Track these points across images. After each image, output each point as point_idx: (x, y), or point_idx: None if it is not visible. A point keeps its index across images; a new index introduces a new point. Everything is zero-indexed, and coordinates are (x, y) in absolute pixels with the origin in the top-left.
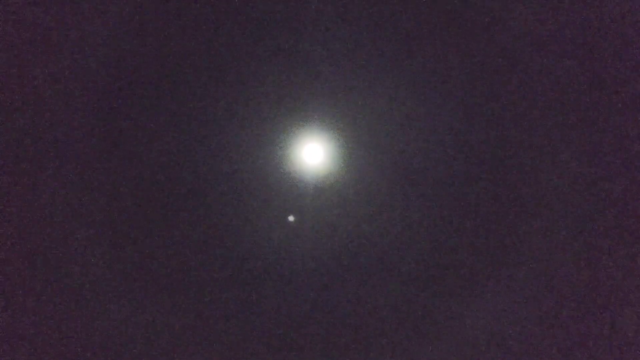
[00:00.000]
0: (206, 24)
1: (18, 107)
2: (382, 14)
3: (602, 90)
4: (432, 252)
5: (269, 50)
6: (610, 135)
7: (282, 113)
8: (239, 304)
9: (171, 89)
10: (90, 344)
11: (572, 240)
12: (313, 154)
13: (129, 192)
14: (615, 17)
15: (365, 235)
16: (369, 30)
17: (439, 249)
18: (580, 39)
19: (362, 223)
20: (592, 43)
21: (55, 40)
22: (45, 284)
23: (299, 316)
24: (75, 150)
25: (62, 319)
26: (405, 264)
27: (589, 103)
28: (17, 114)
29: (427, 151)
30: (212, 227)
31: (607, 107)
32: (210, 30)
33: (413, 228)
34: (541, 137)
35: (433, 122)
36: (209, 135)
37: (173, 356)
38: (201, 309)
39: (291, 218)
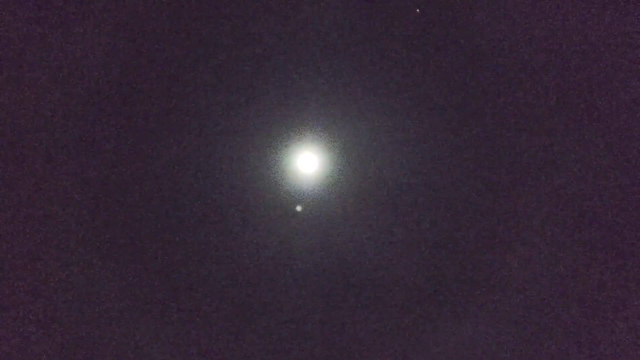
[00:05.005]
0: (203, 33)
1: (18, 108)
2: (377, 26)
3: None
4: (418, 270)
5: (266, 60)
6: (593, 163)
7: (276, 122)
8: (232, 306)
9: (170, 95)
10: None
11: (556, 266)
12: (307, 162)
13: (125, 196)
14: (603, 24)
15: (353, 252)
16: (364, 40)
17: (425, 266)
18: (570, 52)
19: (351, 238)
20: (583, 54)
21: (55, 41)
22: (43, 292)
23: (287, 327)
24: (75, 154)
25: (62, 328)
26: (392, 283)
27: (573, 125)
28: (17, 116)
29: (420, 166)
30: (206, 234)
31: (591, 132)
32: (206, 38)
33: (403, 244)
34: (530, 163)
35: (426, 134)
36: (204, 142)
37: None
38: (193, 317)
39: (299, 208)
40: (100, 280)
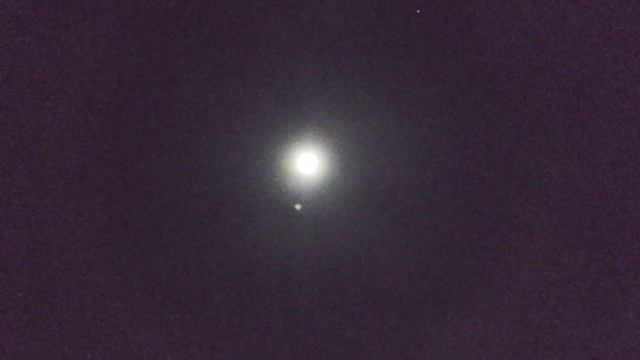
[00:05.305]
0: (202, 33)
1: (18, 110)
2: (377, 26)
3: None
4: (418, 270)
5: (266, 60)
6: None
7: (276, 122)
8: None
9: (170, 95)
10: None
11: (556, 266)
12: (307, 163)
13: (125, 196)
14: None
15: (353, 251)
16: (364, 40)
17: (425, 266)
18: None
19: (350, 238)
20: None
21: (55, 42)
22: (44, 294)
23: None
24: (75, 154)
25: (64, 334)
26: (392, 283)
27: (574, 125)
28: (17, 117)
29: (419, 166)
30: (206, 234)
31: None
32: (206, 38)
33: (402, 244)
34: (531, 163)
35: (426, 134)
36: (204, 143)
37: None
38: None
39: (298, 207)
40: (100, 280)
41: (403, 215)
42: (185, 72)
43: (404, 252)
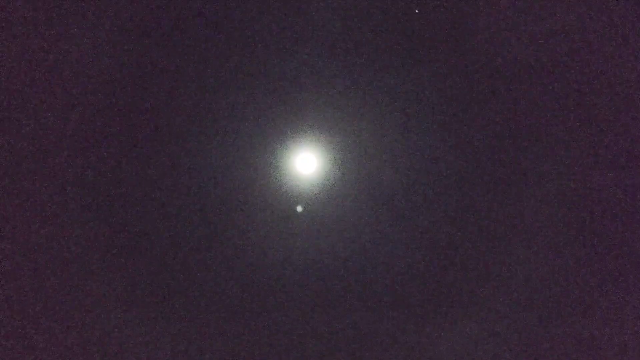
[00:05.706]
0: (202, 34)
1: (18, 110)
2: (377, 27)
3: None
4: (418, 270)
5: (266, 60)
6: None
7: (275, 122)
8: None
9: (170, 95)
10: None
11: (555, 266)
12: (306, 163)
13: (126, 197)
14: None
15: (353, 252)
16: (364, 41)
17: (425, 266)
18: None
19: (351, 238)
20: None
21: (56, 41)
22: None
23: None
24: (77, 154)
25: (62, 328)
26: (392, 283)
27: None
28: (17, 118)
29: (419, 166)
30: (206, 234)
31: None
32: (206, 39)
33: (402, 244)
34: (530, 164)
35: (425, 134)
36: (204, 143)
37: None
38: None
39: (299, 209)
40: (101, 280)
41: (403, 216)
42: (185, 72)
43: (404, 253)
